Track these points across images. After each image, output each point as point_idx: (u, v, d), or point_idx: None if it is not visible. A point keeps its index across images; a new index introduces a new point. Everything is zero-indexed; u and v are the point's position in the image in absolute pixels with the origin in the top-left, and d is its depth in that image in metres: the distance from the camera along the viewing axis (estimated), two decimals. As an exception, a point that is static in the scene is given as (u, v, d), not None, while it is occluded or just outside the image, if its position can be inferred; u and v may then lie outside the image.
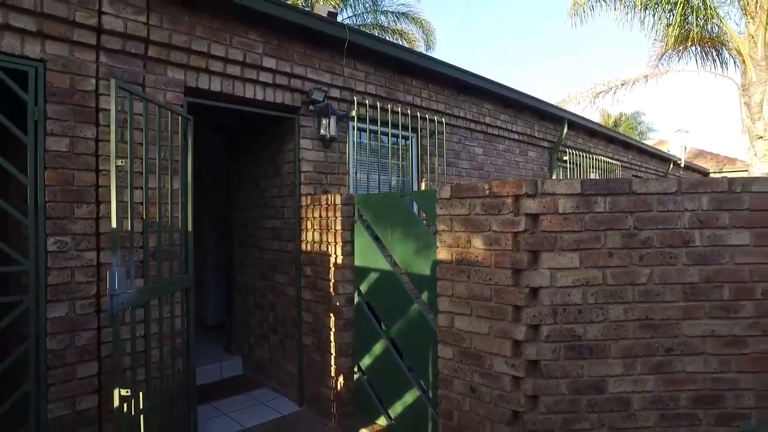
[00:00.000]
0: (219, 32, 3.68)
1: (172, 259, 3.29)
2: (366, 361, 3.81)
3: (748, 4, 9.57)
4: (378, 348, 3.70)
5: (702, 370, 2.69)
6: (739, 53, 9.86)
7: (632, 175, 11.00)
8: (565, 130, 7.64)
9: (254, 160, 4.95)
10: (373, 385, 3.80)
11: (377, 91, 4.83)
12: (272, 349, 4.64)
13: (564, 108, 11.40)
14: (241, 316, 5.20)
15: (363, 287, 3.82)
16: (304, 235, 4.25)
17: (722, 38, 10.61)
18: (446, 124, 5.59)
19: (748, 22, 9.70)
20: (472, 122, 6.02)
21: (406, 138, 5.33)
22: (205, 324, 6.22)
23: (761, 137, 9.29)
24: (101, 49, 3.17)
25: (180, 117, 3.40)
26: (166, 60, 3.46)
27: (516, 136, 6.85)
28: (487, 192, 2.79)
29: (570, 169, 8.17)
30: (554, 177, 7.58)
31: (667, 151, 13.66)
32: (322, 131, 4.34)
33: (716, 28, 10.58)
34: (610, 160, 9.37)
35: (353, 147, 4.74)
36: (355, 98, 4.64)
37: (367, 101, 4.74)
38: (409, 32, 16.32)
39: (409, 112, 5.10)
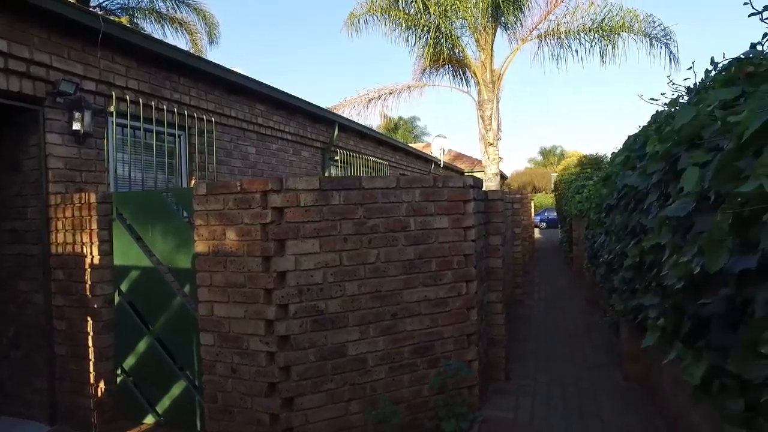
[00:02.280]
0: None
1: None
2: (130, 362, 3.74)
3: (479, 39, 11.77)
4: (142, 346, 3.67)
5: (419, 327, 3.41)
6: (475, 75, 12.05)
7: (400, 174, 12.51)
8: (336, 132, 8.36)
9: (-15, 154, 4.33)
10: (139, 385, 3.75)
11: (140, 87, 4.69)
12: (14, 367, 4.14)
13: (341, 112, 12.40)
14: (-25, 335, 4.49)
15: (124, 286, 3.74)
16: (53, 237, 3.92)
17: (465, 62, 12.78)
18: (217, 123, 5.68)
19: (480, 52, 11.94)
20: (245, 122, 6.22)
21: (174, 136, 5.27)
22: None
23: (491, 144, 11.56)
24: None
25: None
26: None
27: (289, 137, 7.27)
28: (239, 188, 3.06)
29: (343, 168, 8.97)
30: (326, 175, 8.24)
31: (430, 154, 15.84)
32: (75, 126, 4.05)
33: (461, 53, 12.70)
34: (379, 160, 10.53)
35: (113, 144, 4.52)
36: (113, 93, 4.43)
37: (128, 97, 4.56)
38: (191, 23, 15.53)
39: (176, 110, 5.06)
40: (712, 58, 3.07)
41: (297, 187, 3.05)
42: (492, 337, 4.33)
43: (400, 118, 47.54)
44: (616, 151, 4.59)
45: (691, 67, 3.31)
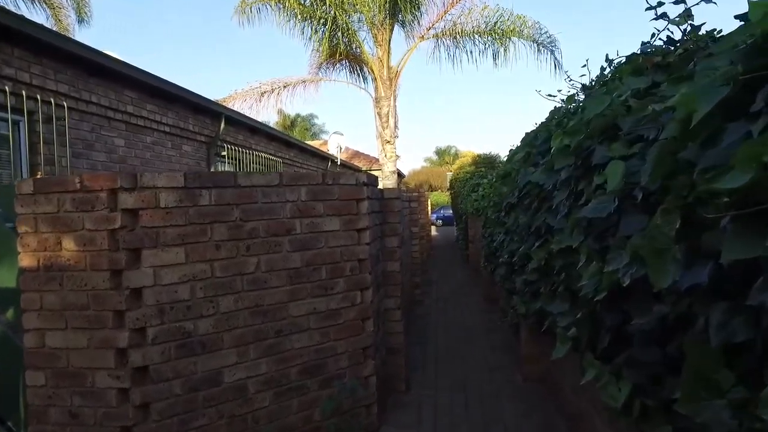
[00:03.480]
0: None
1: None
2: (-67, 411, 2.90)
3: (376, 34, 11.56)
4: (-51, 389, 2.85)
5: (308, 344, 3.00)
6: (373, 72, 11.83)
7: (294, 171, 11.92)
8: (223, 125, 7.65)
9: None
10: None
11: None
12: None
13: (231, 105, 11.53)
14: None
15: (-76, 313, 2.89)
16: None
17: (363, 58, 12.50)
18: (73, 109, 4.81)
19: (378, 48, 11.75)
20: (111, 110, 5.37)
21: (7, 122, 4.32)
22: None
23: (389, 142, 11.40)
24: None
25: None
26: None
27: (167, 129, 6.47)
28: (79, 186, 2.43)
29: (232, 164, 8.26)
30: (212, 171, 7.50)
31: (327, 151, 15.38)
32: None
33: (358, 48, 12.40)
34: (272, 157, 9.91)
35: None
36: None
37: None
38: (55, -5, 13.61)
39: (9, 89, 4.15)
40: (607, 55, 3.02)
41: (156, 185, 2.49)
42: (391, 347, 4.03)
43: (298, 115, 46.37)
44: (513, 148, 4.52)
45: (585, 65, 3.26)
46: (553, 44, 12.39)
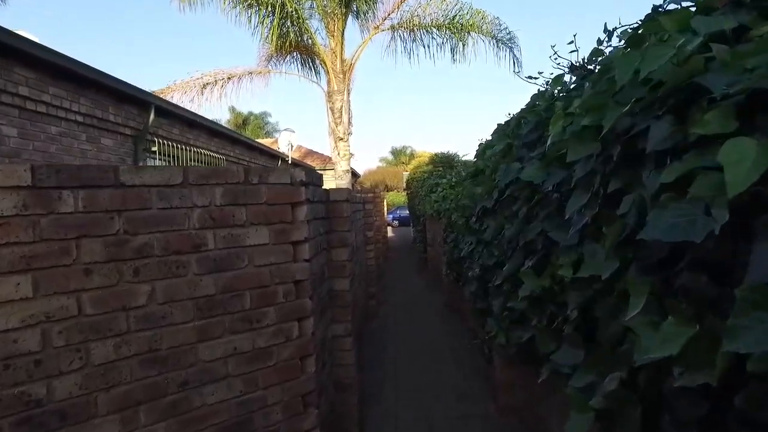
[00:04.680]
0: None
1: None
2: None
3: (329, 24, 10.81)
4: None
5: (227, 397, 2.25)
6: (325, 64, 11.06)
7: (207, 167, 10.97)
8: (152, 116, 6.71)
9: None
10: None
11: None
12: None
13: (170, 98, 10.48)
14: None
15: None
16: None
17: (315, 49, 11.70)
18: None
19: (330, 39, 10.99)
20: (-5, 91, 4.40)
21: None
22: None
23: (342, 139, 10.67)
24: None
25: None
26: None
27: (80, 118, 5.50)
28: None
29: (165, 161, 7.32)
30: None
31: (278, 149, 14.45)
32: None
33: (310, 39, 11.59)
34: (214, 154, 8.98)
35: None
36: None
37: None
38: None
39: None
40: (605, 25, 2.46)
41: (-17, 183, 1.69)
42: (340, 382, 3.32)
43: (251, 113, 44.85)
44: (483, 141, 3.89)
45: (572, 41, 2.68)
46: (512, 41, 12.02)
